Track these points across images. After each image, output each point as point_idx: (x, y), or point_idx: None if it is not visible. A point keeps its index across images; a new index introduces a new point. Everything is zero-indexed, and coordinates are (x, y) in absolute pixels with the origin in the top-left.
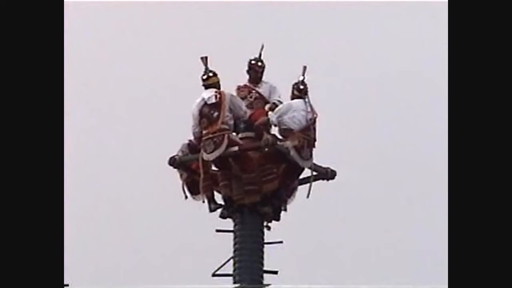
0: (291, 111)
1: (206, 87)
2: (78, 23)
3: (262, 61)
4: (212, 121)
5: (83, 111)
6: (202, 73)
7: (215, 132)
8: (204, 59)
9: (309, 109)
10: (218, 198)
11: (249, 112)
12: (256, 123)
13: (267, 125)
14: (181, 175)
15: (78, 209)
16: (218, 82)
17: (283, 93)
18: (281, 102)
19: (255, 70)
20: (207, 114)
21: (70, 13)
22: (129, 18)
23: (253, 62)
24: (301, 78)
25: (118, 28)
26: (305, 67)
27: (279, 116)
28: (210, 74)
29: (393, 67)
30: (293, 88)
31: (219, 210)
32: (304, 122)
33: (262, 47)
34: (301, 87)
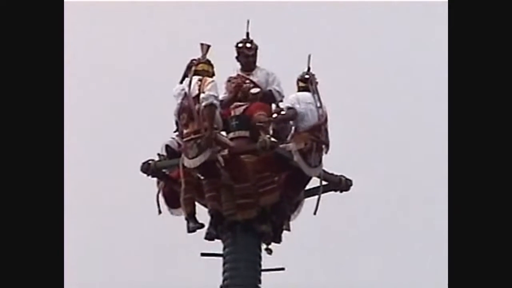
0: (301, 104)
1: (194, 74)
2: (78, 23)
3: (251, 42)
4: (193, 117)
5: (82, 111)
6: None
7: (197, 132)
8: (205, 47)
9: (318, 104)
10: (203, 214)
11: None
12: (254, 120)
13: (268, 125)
14: (158, 184)
15: (76, 210)
16: (207, 70)
17: (286, 90)
18: (279, 93)
19: (245, 54)
20: (188, 108)
21: (70, 13)
22: (129, 18)
23: (240, 45)
24: (305, 69)
25: (118, 28)
26: (309, 56)
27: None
28: (202, 61)
29: (393, 67)
30: (298, 80)
31: (201, 230)
32: (313, 120)
33: (248, 23)
34: (306, 76)
